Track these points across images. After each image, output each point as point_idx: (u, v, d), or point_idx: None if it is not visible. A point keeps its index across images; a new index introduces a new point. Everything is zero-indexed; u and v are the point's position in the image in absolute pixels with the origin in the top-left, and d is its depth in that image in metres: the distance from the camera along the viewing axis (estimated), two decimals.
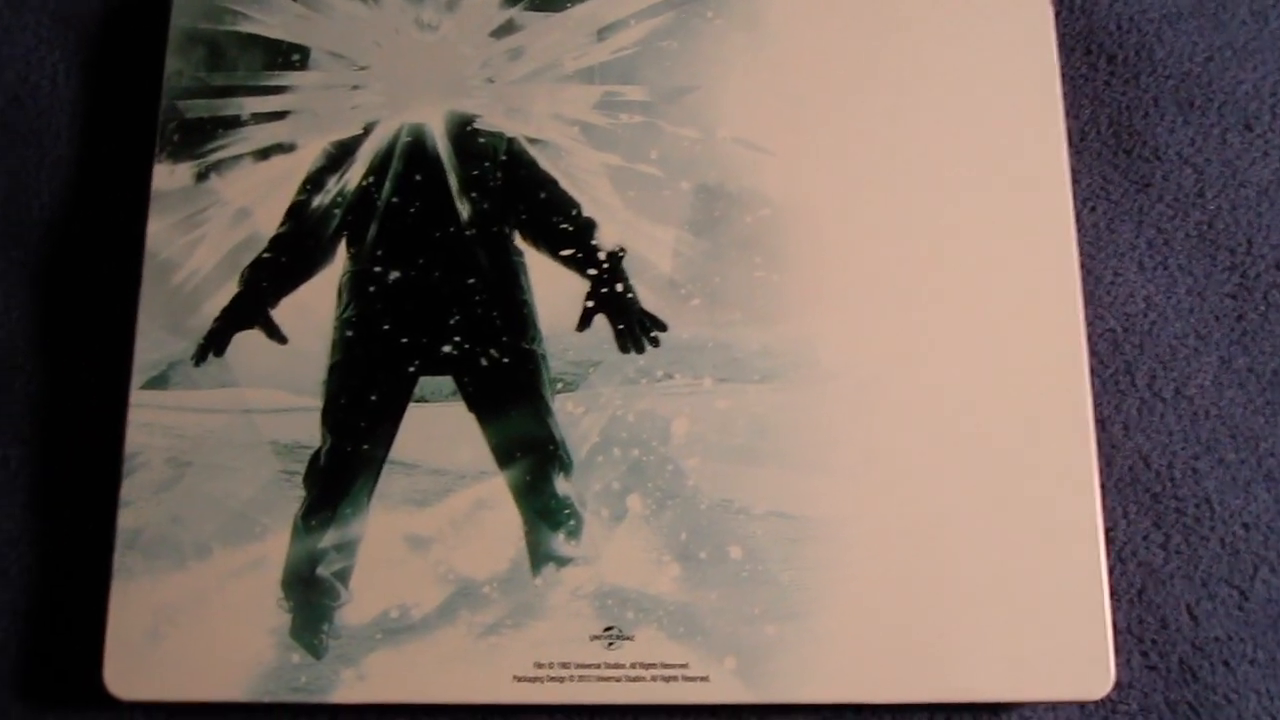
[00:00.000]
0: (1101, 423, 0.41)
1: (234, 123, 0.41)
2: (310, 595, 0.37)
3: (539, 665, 0.36)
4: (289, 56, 0.41)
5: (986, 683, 0.36)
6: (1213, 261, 0.42)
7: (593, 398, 0.39)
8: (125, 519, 0.37)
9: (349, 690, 0.36)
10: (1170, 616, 0.39)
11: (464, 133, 0.41)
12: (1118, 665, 0.37)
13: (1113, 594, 0.39)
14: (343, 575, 0.37)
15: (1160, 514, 0.40)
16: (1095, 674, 0.36)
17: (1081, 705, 0.39)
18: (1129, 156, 0.44)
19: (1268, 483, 0.40)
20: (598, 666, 0.37)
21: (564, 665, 0.37)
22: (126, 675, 0.36)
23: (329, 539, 0.37)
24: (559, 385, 0.39)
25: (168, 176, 0.40)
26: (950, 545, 0.37)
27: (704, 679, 0.37)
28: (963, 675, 0.36)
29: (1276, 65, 0.44)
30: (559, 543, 0.37)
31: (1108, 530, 0.39)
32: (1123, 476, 0.40)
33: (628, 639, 0.37)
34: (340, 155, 0.40)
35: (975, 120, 0.40)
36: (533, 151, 0.41)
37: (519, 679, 0.36)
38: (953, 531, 0.37)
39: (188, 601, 0.37)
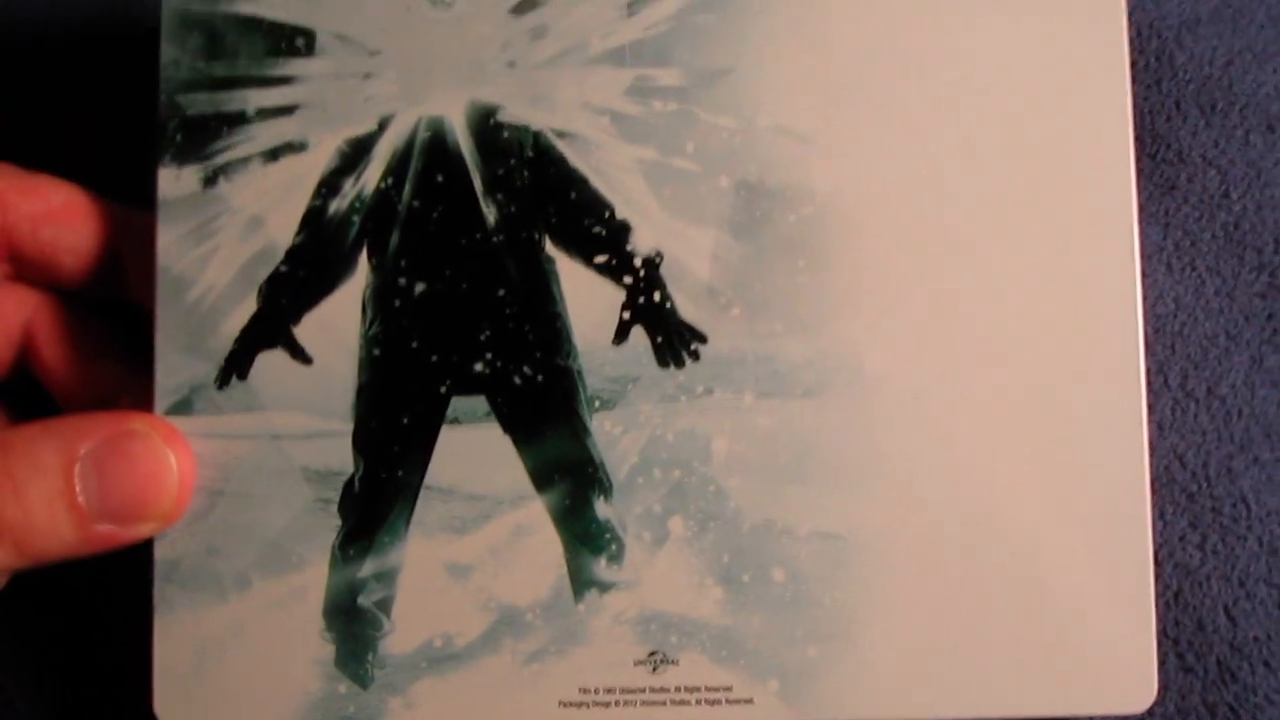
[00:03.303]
0: None
1: (239, 119, 0.38)
2: (353, 626, 0.37)
3: (584, 691, 0.37)
4: (293, 41, 0.38)
5: (1029, 698, 0.37)
6: (1240, 261, 0.41)
7: (631, 416, 0.37)
8: (161, 551, 0.37)
9: (398, 719, 0.37)
10: (1207, 618, 0.39)
11: (487, 126, 0.38)
12: (1157, 671, 0.38)
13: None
14: (384, 605, 0.37)
15: (1197, 514, 0.40)
16: (1139, 687, 0.37)
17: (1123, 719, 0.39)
18: (1153, 160, 0.42)
19: None
20: (642, 691, 0.37)
21: (609, 690, 0.37)
22: (176, 706, 0.37)
23: (368, 568, 0.37)
24: (596, 403, 0.37)
25: (173, 182, 0.38)
26: (995, 561, 0.37)
27: (748, 701, 0.37)
28: (1006, 690, 0.37)
29: None
30: (601, 568, 0.37)
31: None
32: (1158, 477, 0.40)
33: (672, 663, 0.37)
34: (355, 154, 0.38)
35: (1039, 113, 0.37)
36: (561, 146, 0.38)
37: (564, 704, 0.37)
38: (998, 547, 0.37)
39: (231, 633, 0.37)
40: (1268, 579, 0.39)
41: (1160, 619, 0.39)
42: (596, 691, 0.37)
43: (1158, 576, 0.39)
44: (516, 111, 0.38)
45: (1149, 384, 0.40)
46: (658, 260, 0.38)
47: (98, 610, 0.40)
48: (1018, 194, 0.37)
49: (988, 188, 0.37)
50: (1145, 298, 0.41)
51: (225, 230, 0.38)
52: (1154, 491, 0.40)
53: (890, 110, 0.38)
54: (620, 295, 0.38)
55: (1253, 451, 0.40)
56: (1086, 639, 0.37)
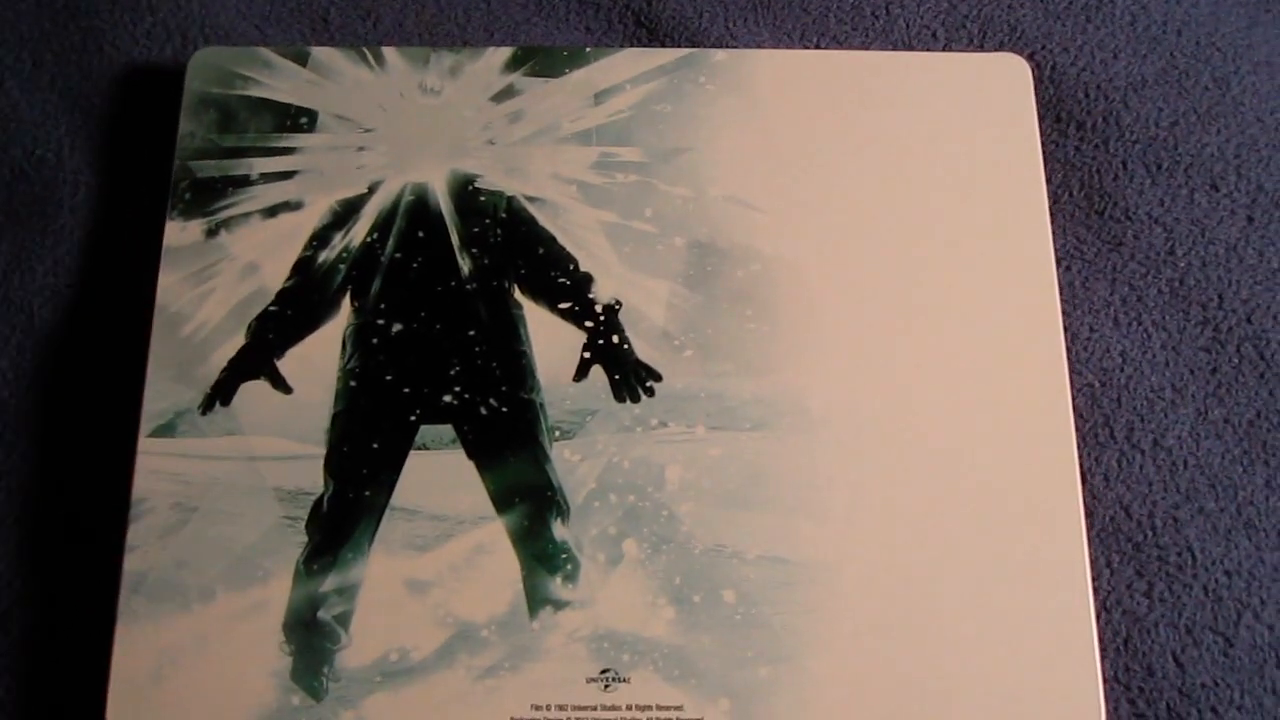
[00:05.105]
0: (1083, 474, 0.42)
1: (243, 182, 0.42)
2: (311, 638, 0.38)
3: (536, 707, 0.37)
4: (297, 119, 0.43)
5: None
6: (1185, 316, 0.44)
7: (589, 445, 0.40)
8: (131, 563, 0.38)
9: None
10: (1156, 664, 0.40)
11: (465, 191, 0.42)
12: (1106, 714, 0.38)
13: (1099, 643, 0.39)
14: (343, 619, 0.38)
15: (1143, 563, 0.41)
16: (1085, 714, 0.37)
17: None
18: (1101, 217, 0.45)
19: (1248, 530, 0.41)
20: (594, 709, 0.37)
21: (560, 707, 0.37)
22: (129, 717, 0.37)
23: (330, 583, 0.38)
24: (557, 433, 0.40)
25: (179, 233, 0.42)
26: (940, 589, 0.38)
27: None
28: (953, 715, 0.37)
29: (1239, 128, 0.46)
30: (556, 586, 0.38)
31: (1092, 580, 0.40)
32: (1105, 526, 0.41)
33: (624, 681, 0.37)
34: (346, 213, 0.42)
35: (958, 179, 0.42)
36: (532, 209, 0.42)
37: None
38: (942, 575, 0.38)
39: (191, 644, 0.37)
40: (1213, 626, 0.40)
41: (1110, 665, 0.40)
42: (549, 708, 0.37)
43: (1106, 623, 0.40)
44: (493, 179, 0.42)
45: (1096, 436, 0.42)
46: (617, 307, 0.41)
47: (53, 619, 0.40)
48: (944, 251, 0.41)
49: (916, 245, 0.42)
50: (1092, 352, 0.43)
51: (223, 274, 0.41)
52: (1100, 540, 0.41)
53: (828, 183, 0.42)
54: (582, 337, 0.41)
55: (1198, 502, 0.42)
56: (1032, 673, 0.37)
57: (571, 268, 0.41)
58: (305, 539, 0.39)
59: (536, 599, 0.38)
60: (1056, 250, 0.44)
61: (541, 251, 0.42)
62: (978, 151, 0.43)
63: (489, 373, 0.40)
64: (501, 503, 0.39)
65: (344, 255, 0.41)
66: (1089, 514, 0.41)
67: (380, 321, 0.41)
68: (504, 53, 0.44)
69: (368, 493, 0.39)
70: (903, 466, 0.39)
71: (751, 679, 0.37)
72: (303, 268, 0.41)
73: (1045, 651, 0.38)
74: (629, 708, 0.37)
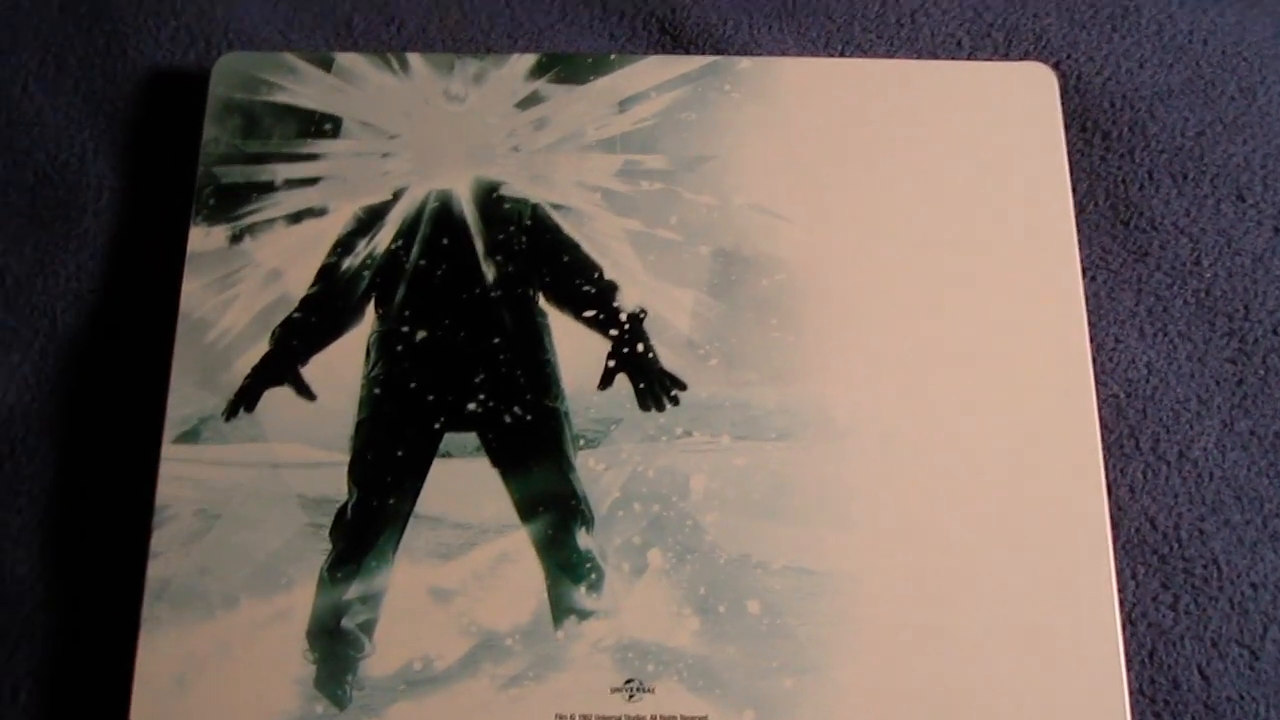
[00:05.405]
0: (1108, 485, 0.41)
1: (268, 188, 0.42)
2: (335, 646, 0.37)
3: (560, 717, 0.37)
4: (322, 125, 0.43)
5: None
6: (1211, 327, 0.44)
7: (614, 454, 0.39)
8: (155, 570, 0.38)
9: None
10: (1182, 677, 0.40)
11: (490, 199, 0.42)
12: None
13: (1125, 655, 0.39)
14: (367, 627, 0.38)
15: (1168, 575, 0.41)
16: None
17: None
18: (1127, 227, 0.45)
19: (1274, 543, 0.41)
20: (618, 719, 0.37)
21: (585, 717, 0.37)
22: None
23: (354, 591, 0.38)
24: (581, 442, 0.40)
25: (203, 239, 0.42)
26: (965, 601, 0.38)
27: None
28: None
29: (1266, 138, 0.46)
30: (580, 596, 0.38)
31: (1118, 592, 0.40)
32: (1130, 538, 0.41)
33: (648, 691, 0.37)
34: (370, 220, 0.42)
35: (984, 189, 0.42)
36: (556, 217, 0.42)
37: None
38: (967, 587, 0.38)
39: (214, 651, 0.37)
40: (1239, 640, 0.40)
41: (1135, 678, 0.39)
42: (572, 718, 0.37)
43: (1132, 636, 0.40)
44: (518, 187, 0.42)
45: (1121, 447, 0.42)
46: (642, 315, 0.41)
47: (77, 626, 0.40)
48: (969, 262, 0.41)
49: (942, 255, 0.41)
50: (1118, 362, 0.43)
51: (246, 280, 0.41)
52: (1126, 552, 0.41)
53: (853, 191, 0.42)
54: (606, 346, 0.41)
55: (1224, 514, 0.42)
56: (1057, 685, 0.37)
57: (596, 276, 0.41)
58: (329, 546, 0.38)
59: (561, 608, 0.38)
60: (1082, 260, 0.44)
61: (566, 259, 0.42)
62: (1003, 161, 0.43)
63: (513, 380, 0.40)
64: (526, 511, 0.39)
65: (368, 262, 0.41)
66: (1114, 525, 0.41)
67: (404, 329, 0.41)
68: (528, 60, 0.44)
69: (392, 500, 0.39)
70: (928, 477, 0.39)
71: (776, 690, 0.37)
72: (327, 274, 0.41)
73: (1070, 663, 0.37)
74: (653, 718, 0.37)
